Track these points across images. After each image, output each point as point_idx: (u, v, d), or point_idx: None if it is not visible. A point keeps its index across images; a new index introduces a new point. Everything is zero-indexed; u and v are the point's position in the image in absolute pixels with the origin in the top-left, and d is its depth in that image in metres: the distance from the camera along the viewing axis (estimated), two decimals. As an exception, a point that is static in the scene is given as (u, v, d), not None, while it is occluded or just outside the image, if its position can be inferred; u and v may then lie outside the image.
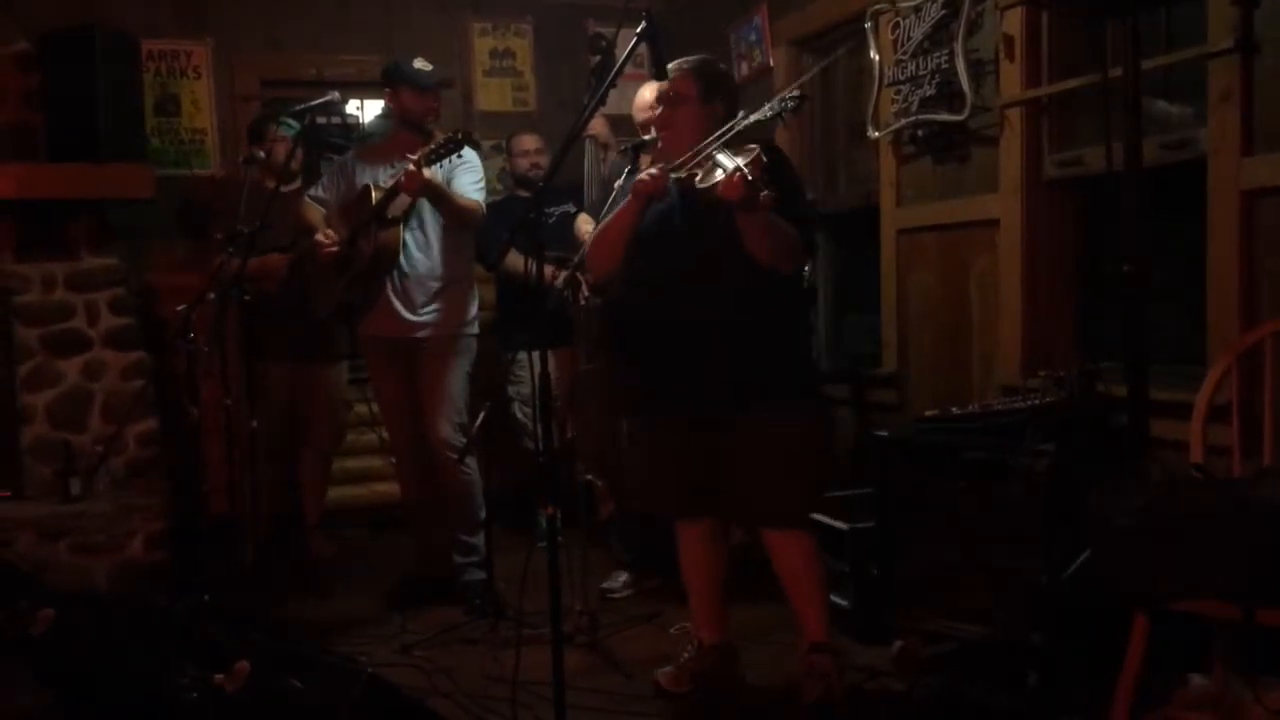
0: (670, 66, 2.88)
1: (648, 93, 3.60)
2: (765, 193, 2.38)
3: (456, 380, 3.77)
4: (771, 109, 3.39)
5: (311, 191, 3.92)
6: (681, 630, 3.36)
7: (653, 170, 2.79)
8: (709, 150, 2.61)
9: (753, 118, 2.86)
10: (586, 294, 3.71)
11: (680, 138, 2.81)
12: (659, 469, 2.98)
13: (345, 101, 5.53)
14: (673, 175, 2.71)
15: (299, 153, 4.15)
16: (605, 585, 3.88)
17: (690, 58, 2.94)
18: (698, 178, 2.56)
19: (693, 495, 2.93)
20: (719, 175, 2.47)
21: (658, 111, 2.89)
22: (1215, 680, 2.44)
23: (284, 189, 4.00)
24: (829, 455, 2.94)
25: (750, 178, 2.37)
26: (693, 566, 3.07)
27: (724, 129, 2.69)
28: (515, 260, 4.24)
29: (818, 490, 2.99)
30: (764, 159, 2.46)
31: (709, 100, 2.85)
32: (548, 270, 3.70)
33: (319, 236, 3.71)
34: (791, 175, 2.86)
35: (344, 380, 4.58)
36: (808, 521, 2.91)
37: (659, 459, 2.97)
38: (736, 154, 2.51)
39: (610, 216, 2.93)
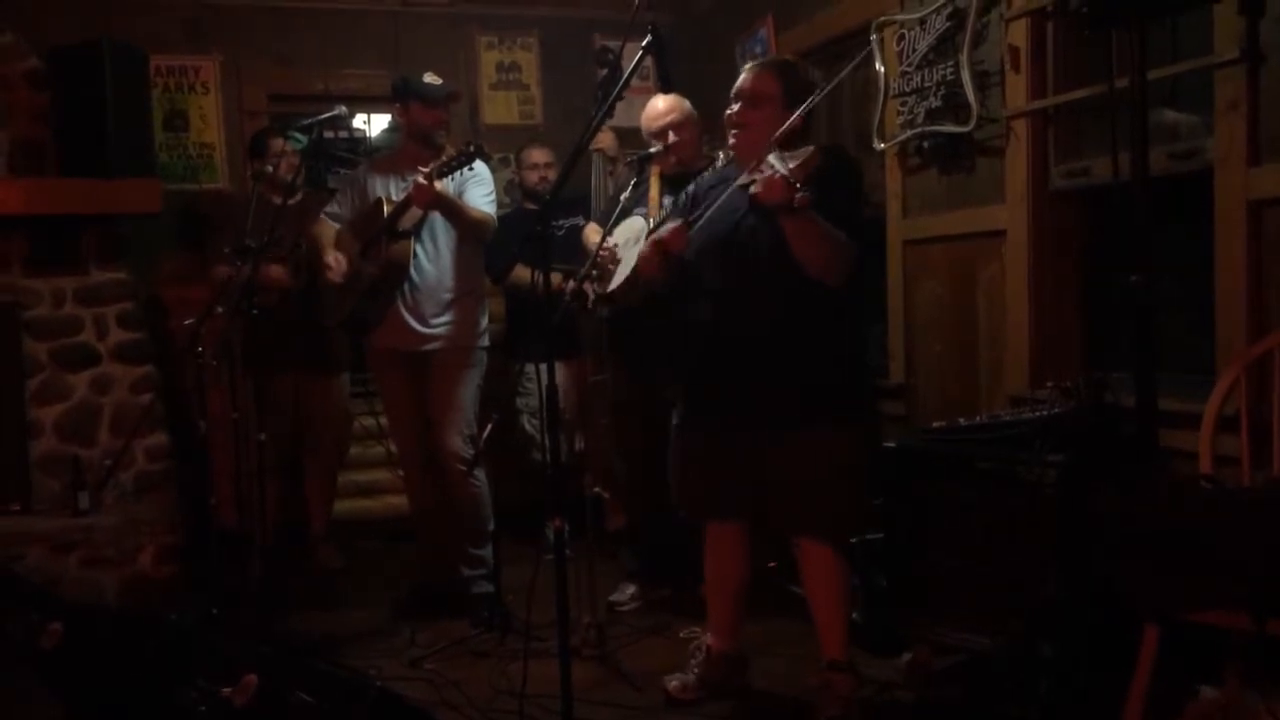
0: (753, 64, 2.84)
1: (660, 102, 3.61)
2: (801, 194, 2.34)
3: (467, 393, 3.78)
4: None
5: (328, 209, 3.94)
6: (692, 634, 3.35)
7: (670, 229, 2.81)
8: (766, 157, 2.56)
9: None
10: (592, 299, 3.70)
11: (753, 139, 2.71)
12: (697, 470, 2.95)
13: (352, 115, 5.56)
14: (739, 182, 2.68)
15: (301, 167, 4.18)
16: (613, 598, 3.87)
17: (773, 58, 2.88)
18: (754, 186, 2.52)
19: (728, 498, 2.90)
20: (759, 181, 2.46)
21: (735, 109, 2.79)
22: (1227, 691, 2.42)
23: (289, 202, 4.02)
24: (867, 472, 2.90)
25: (790, 180, 2.34)
26: (717, 570, 3.06)
27: (780, 132, 2.61)
28: (521, 273, 4.25)
29: (857, 508, 2.91)
30: (817, 160, 2.43)
31: (791, 105, 2.73)
32: (555, 279, 3.70)
33: (328, 260, 3.72)
34: (848, 181, 2.77)
35: (346, 391, 4.59)
36: (842, 537, 2.89)
37: (698, 460, 2.94)
38: (791, 156, 2.48)
39: (643, 258, 2.97)
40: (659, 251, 2.85)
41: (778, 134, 2.63)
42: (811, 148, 2.53)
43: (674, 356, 3.07)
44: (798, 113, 2.68)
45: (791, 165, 2.44)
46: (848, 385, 2.86)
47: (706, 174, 3.06)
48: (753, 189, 2.50)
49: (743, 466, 2.83)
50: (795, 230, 2.53)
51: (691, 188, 3.07)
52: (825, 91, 2.74)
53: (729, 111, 2.83)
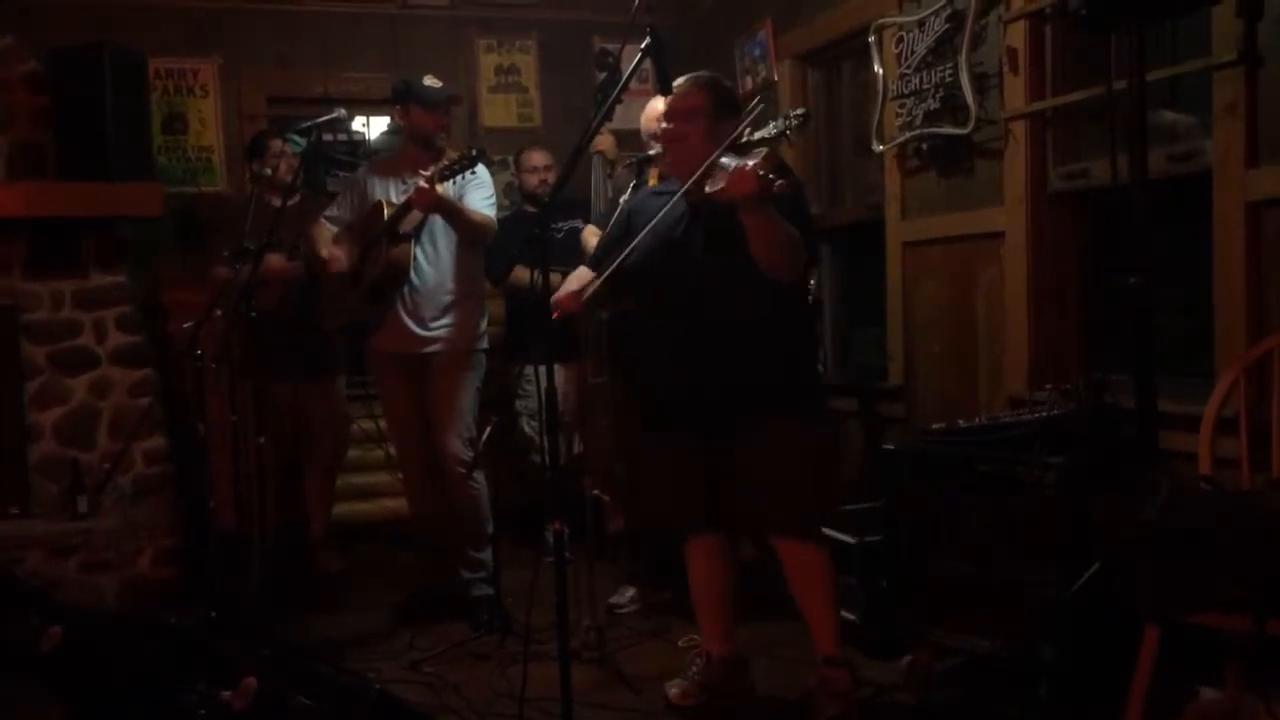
0: (679, 81, 2.89)
1: (660, 104, 3.61)
2: (780, 181, 2.39)
3: (466, 396, 3.78)
4: (776, 127, 3.41)
5: (327, 212, 3.94)
6: (691, 642, 3.35)
7: (566, 295, 2.92)
8: (716, 159, 2.61)
9: (758, 134, 2.87)
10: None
11: (690, 152, 2.78)
12: (668, 483, 2.98)
13: (351, 118, 5.56)
14: (686, 188, 2.72)
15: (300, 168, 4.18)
16: (613, 600, 3.87)
17: (699, 74, 2.95)
18: (707, 186, 2.56)
19: (702, 509, 2.92)
20: (727, 175, 2.48)
21: (669, 125, 2.87)
22: (1227, 693, 2.42)
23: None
24: (836, 467, 2.94)
25: (761, 171, 2.39)
26: (702, 580, 3.07)
27: (731, 138, 2.70)
28: (521, 274, 4.25)
29: (827, 502, 2.98)
30: (776, 158, 2.48)
31: (720, 116, 2.83)
32: (554, 279, 3.69)
33: (324, 254, 3.72)
34: (795, 182, 2.82)
35: (344, 394, 4.59)
36: (818, 533, 2.90)
37: (668, 473, 2.97)
38: (745, 158, 2.52)
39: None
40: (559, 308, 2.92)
41: (729, 139, 2.67)
42: (766, 149, 2.57)
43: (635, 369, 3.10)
44: (750, 135, 2.80)
45: (753, 161, 2.46)
46: (806, 381, 2.91)
47: (643, 193, 3.10)
48: (716, 186, 2.52)
49: (708, 474, 2.87)
50: (759, 224, 2.54)
51: (626, 209, 3.12)
52: (750, 120, 2.80)
53: (665, 128, 2.89)
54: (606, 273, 2.89)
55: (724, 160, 2.57)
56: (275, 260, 4.10)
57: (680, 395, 2.89)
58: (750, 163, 2.44)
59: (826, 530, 3.06)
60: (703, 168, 2.65)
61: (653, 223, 2.82)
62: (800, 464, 2.79)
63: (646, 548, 3.95)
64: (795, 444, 2.79)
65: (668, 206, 2.82)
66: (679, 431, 2.91)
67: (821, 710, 2.82)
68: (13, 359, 4.23)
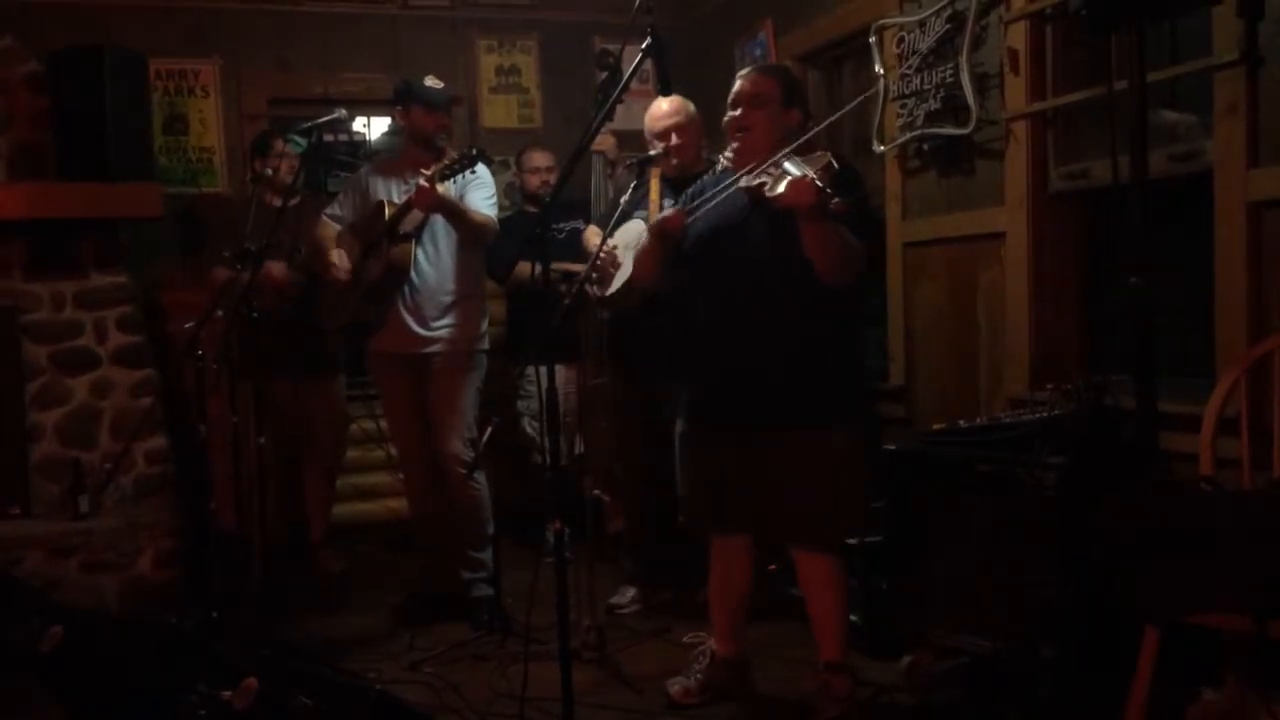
0: (748, 70, 2.90)
1: (664, 104, 3.61)
2: (836, 200, 2.37)
3: (467, 396, 3.78)
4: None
5: (328, 210, 3.94)
6: (695, 638, 3.35)
7: (671, 211, 2.85)
8: (778, 159, 2.59)
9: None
10: (596, 291, 3.68)
11: (757, 140, 2.76)
12: (703, 482, 2.95)
13: (352, 119, 5.56)
14: (744, 183, 2.69)
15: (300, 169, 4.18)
16: (613, 601, 3.87)
17: (766, 63, 2.93)
18: (767, 186, 2.54)
19: (734, 510, 2.90)
20: (786, 184, 2.47)
21: (738, 112, 2.82)
22: (1228, 694, 2.42)
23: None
24: (864, 480, 2.89)
25: (820, 184, 2.38)
26: (723, 579, 3.04)
27: (796, 141, 2.68)
28: (525, 269, 4.25)
29: (856, 514, 2.91)
30: (834, 166, 2.47)
31: (788, 105, 2.82)
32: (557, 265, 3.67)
33: (331, 258, 3.72)
34: (859, 188, 2.80)
35: (343, 394, 4.59)
36: (839, 546, 2.89)
37: (704, 472, 2.94)
38: (806, 163, 2.51)
39: (640, 252, 2.97)
40: (659, 233, 2.87)
41: (796, 142, 2.65)
42: (827, 155, 2.54)
43: (674, 358, 3.07)
44: (815, 129, 2.78)
45: (812, 170, 2.44)
46: (850, 387, 2.87)
47: (707, 178, 3.08)
48: (776, 191, 2.49)
49: (746, 474, 2.83)
50: (816, 234, 2.52)
51: (691, 191, 3.08)
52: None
53: (732, 115, 2.83)
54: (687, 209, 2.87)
55: (786, 164, 2.54)
56: (277, 269, 4.10)
57: (724, 389, 2.85)
58: (810, 173, 2.42)
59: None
60: (763, 165, 2.63)
61: (709, 207, 2.80)
62: (837, 472, 2.76)
63: (646, 548, 3.95)
64: (835, 451, 2.75)
65: (725, 196, 2.79)
66: (716, 429, 2.88)
67: (820, 713, 2.81)
68: (14, 360, 4.23)
